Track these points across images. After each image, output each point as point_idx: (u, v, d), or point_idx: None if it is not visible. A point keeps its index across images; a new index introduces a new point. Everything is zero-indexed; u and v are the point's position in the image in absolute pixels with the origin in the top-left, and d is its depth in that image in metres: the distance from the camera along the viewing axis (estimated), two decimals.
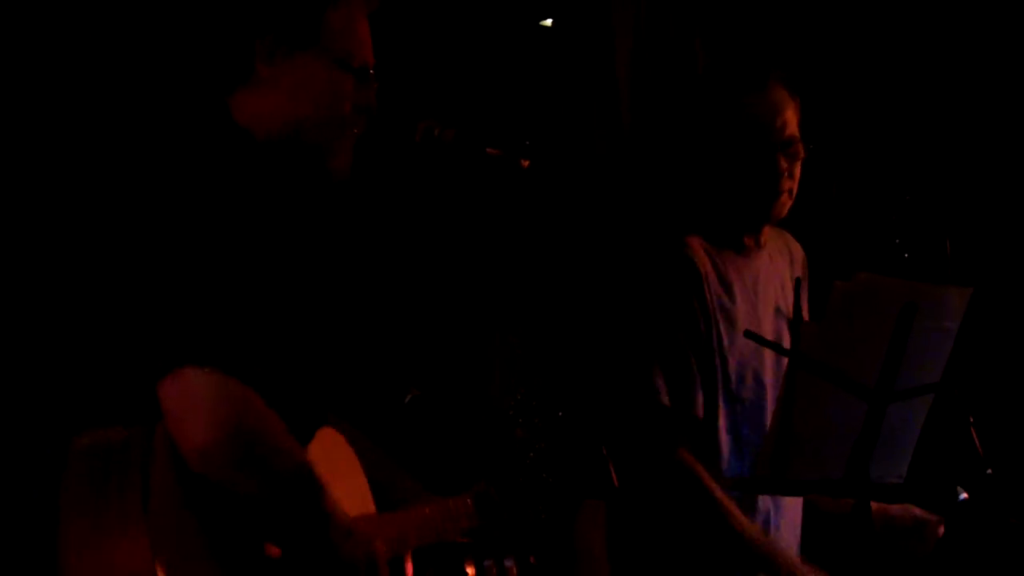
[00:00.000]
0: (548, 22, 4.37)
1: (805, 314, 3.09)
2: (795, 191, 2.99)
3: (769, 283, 3.09)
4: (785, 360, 2.67)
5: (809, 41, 4.34)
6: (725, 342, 2.96)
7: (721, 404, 2.95)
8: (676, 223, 3.06)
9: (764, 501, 3.02)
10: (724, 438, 2.95)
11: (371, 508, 2.50)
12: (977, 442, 2.69)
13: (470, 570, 3.24)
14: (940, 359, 2.64)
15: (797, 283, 3.00)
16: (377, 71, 2.35)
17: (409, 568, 2.71)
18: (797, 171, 2.98)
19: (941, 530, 2.96)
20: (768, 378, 3.01)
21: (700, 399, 2.92)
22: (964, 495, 2.77)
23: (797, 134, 2.98)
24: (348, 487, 2.40)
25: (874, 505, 2.83)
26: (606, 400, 2.93)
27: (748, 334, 2.85)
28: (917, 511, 3.02)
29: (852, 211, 3.10)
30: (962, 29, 4.31)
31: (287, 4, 2.26)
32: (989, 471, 2.67)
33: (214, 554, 2.07)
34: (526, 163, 2.42)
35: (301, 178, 2.31)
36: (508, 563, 3.29)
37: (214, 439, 2.00)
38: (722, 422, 2.95)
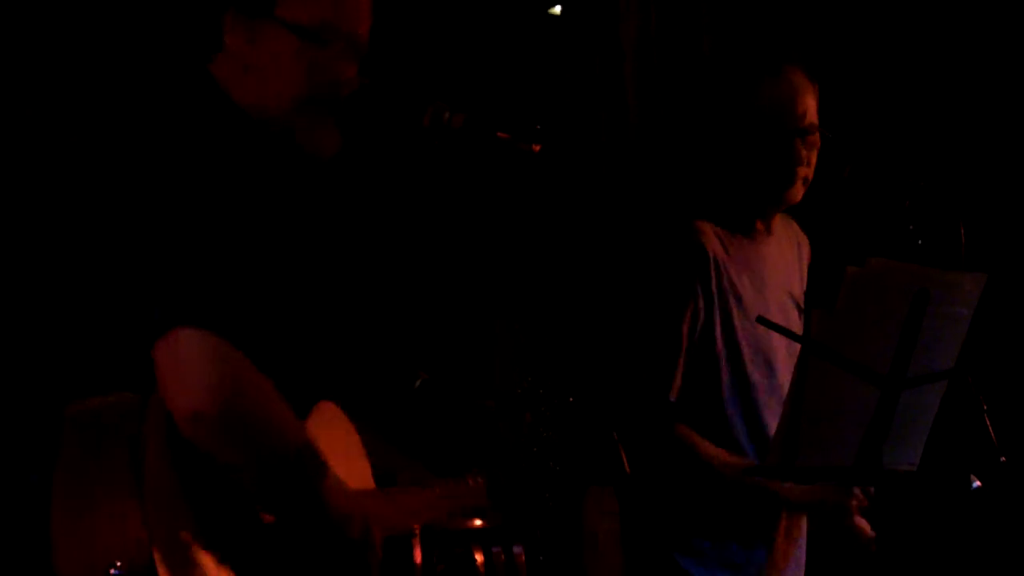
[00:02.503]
0: (557, 9, 4.36)
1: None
2: (810, 178, 2.98)
3: (777, 268, 3.08)
4: (796, 345, 2.65)
5: (821, 25, 4.33)
6: (737, 325, 2.95)
7: (736, 388, 2.94)
8: (686, 207, 3.05)
9: None
10: (738, 423, 2.94)
11: (370, 484, 2.47)
12: (991, 429, 2.67)
13: (478, 556, 3.23)
14: (953, 345, 2.63)
15: (810, 269, 2.99)
16: (385, 55, 2.33)
17: (417, 554, 2.70)
18: (814, 158, 2.97)
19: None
20: (779, 363, 2.99)
21: (677, 383, 2.90)
22: (977, 483, 2.75)
23: (816, 121, 2.96)
24: (347, 461, 2.37)
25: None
26: (615, 382, 2.93)
27: (760, 320, 2.84)
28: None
29: (865, 196, 3.08)
30: (976, 13, 4.29)
31: None
32: (1003, 459, 2.66)
33: (208, 524, 2.03)
34: (536, 148, 2.40)
35: (292, 154, 2.27)
36: (516, 550, 3.28)
37: (206, 401, 1.95)
38: (736, 407, 2.94)
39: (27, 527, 2.01)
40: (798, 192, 2.99)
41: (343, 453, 2.36)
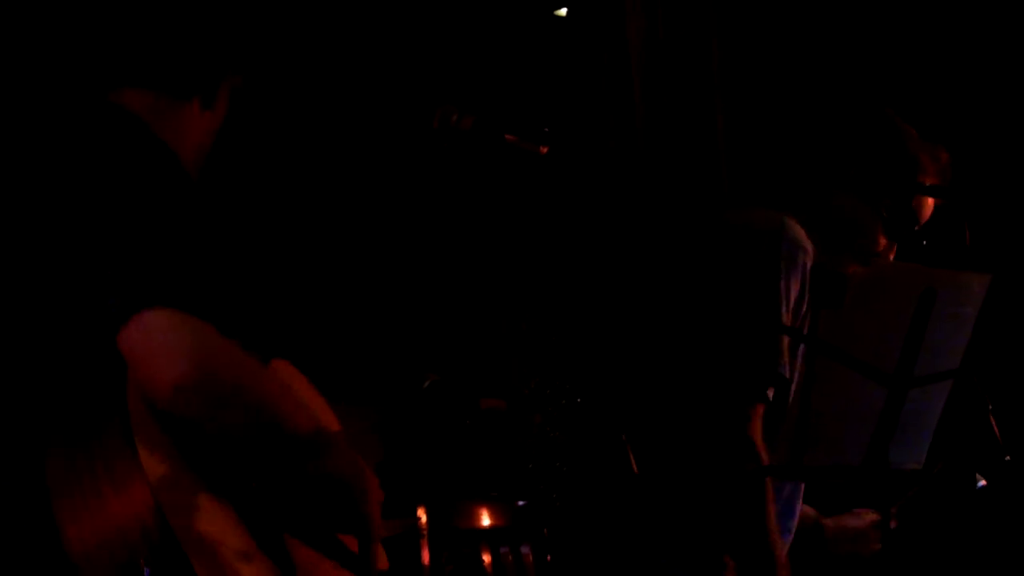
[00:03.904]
0: (563, 12, 4.38)
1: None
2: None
3: None
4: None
5: (828, 27, 4.34)
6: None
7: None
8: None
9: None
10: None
11: (338, 425, 2.48)
12: (996, 429, 2.68)
13: (486, 557, 3.24)
14: (959, 345, 2.63)
15: (815, 270, 2.99)
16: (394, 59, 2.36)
17: (425, 554, 2.71)
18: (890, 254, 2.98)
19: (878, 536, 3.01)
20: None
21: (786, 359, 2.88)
22: (983, 482, 2.76)
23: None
24: (316, 408, 2.39)
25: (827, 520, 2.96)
26: (625, 383, 2.92)
27: (767, 320, 2.84)
28: (864, 518, 3.10)
29: (873, 197, 3.09)
30: (980, 15, 4.30)
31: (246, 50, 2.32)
32: (1008, 458, 2.67)
33: (210, 487, 2.04)
34: (544, 150, 2.41)
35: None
36: (524, 550, 3.29)
37: (184, 370, 1.97)
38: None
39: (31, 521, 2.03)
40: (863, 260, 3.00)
41: (308, 403, 2.38)
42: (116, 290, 1.99)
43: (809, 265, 2.88)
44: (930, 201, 2.96)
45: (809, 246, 2.90)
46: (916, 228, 2.91)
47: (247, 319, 2.24)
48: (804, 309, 2.91)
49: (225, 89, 2.34)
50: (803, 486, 3.10)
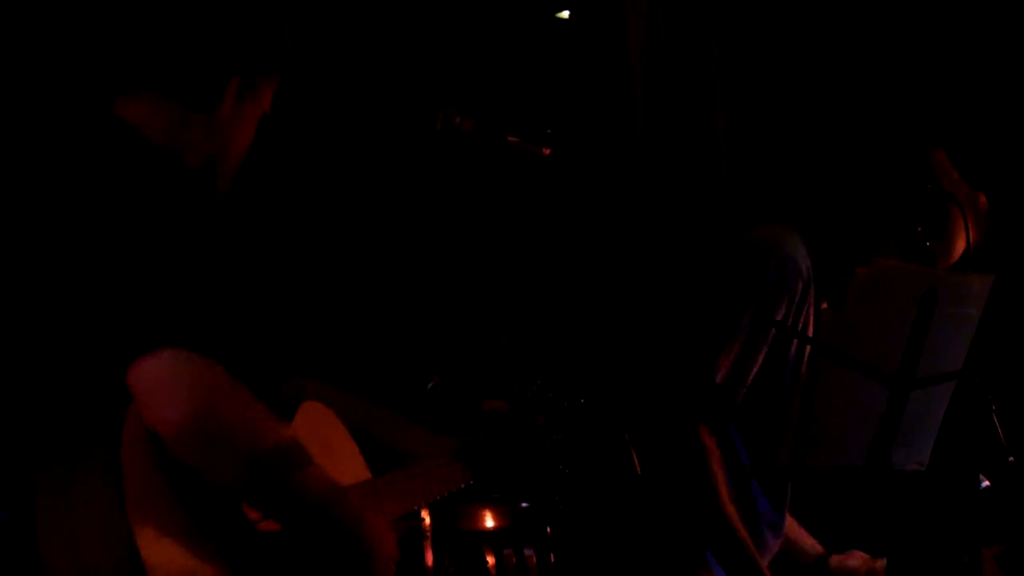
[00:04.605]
0: (565, 14, 4.38)
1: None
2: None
3: None
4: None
5: (829, 27, 4.34)
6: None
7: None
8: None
9: None
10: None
11: (366, 476, 2.47)
12: (999, 429, 2.68)
13: (489, 558, 3.24)
14: (961, 346, 2.63)
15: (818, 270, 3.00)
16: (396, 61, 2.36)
17: (428, 555, 2.71)
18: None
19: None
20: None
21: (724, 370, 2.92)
22: (986, 483, 2.76)
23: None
24: (337, 457, 2.38)
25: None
26: (627, 382, 2.93)
27: (772, 322, 2.85)
28: (867, 561, 3.17)
29: (872, 198, 3.09)
30: (981, 15, 4.30)
31: (258, 56, 2.31)
32: (1011, 459, 2.67)
33: (196, 528, 2.05)
34: (546, 151, 2.42)
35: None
36: (527, 551, 3.29)
37: (188, 416, 1.98)
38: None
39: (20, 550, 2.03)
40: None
41: (332, 450, 2.38)
42: (124, 328, 2.00)
43: (801, 284, 2.90)
44: (960, 243, 2.97)
45: (804, 264, 2.91)
46: (919, 229, 2.91)
47: (251, 322, 2.23)
48: (803, 318, 2.93)
49: (255, 110, 2.32)
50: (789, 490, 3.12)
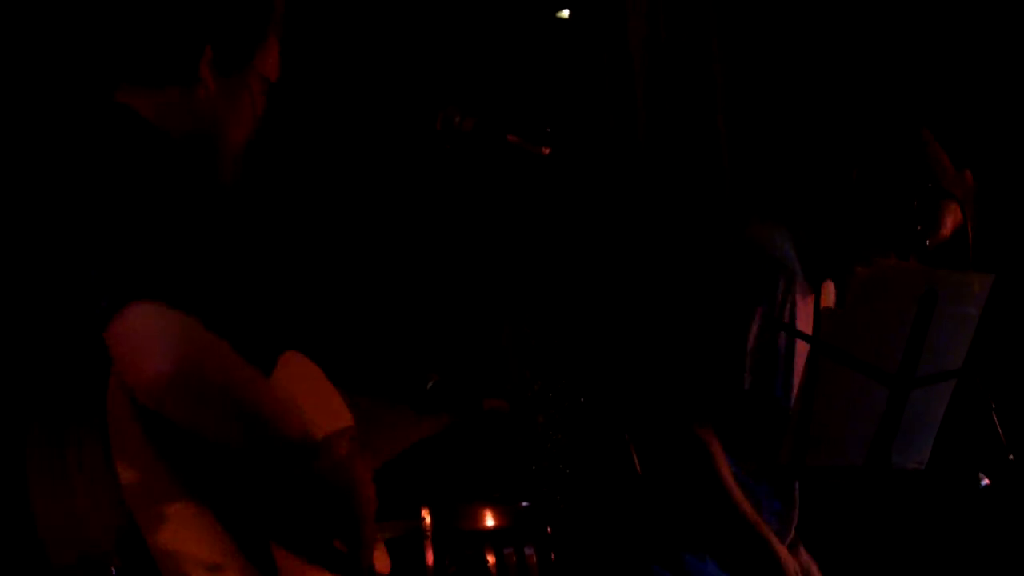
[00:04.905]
0: (565, 14, 4.38)
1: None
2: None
3: None
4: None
5: (829, 26, 4.34)
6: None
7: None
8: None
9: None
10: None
11: (349, 420, 2.47)
12: (999, 428, 2.68)
13: (490, 558, 3.24)
14: (962, 345, 2.64)
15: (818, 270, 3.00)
16: (397, 60, 2.36)
17: (429, 555, 2.71)
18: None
19: None
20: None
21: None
22: (986, 481, 2.76)
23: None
24: (320, 403, 2.37)
25: None
26: (627, 382, 2.94)
27: (771, 320, 2.85)
28: None
29: (873, 197, 3.09)
30: (982, 15, 4.30)
31: (237, 20, 2.26)
32: (1011, 457, 2.67)
33: (186, 490, 2.04)
34: (546, 151, 2.42)
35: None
36: (527, 551, 3.30)
37: (166, 370, 1.96)
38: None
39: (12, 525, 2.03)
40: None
41: (314, 398, 2.36)
42: (106, 288, 1.98)
43: (784, 283, 2.91)
44: (951, 218, 2.97)
45: (787, 258, 2.92)
46: (919, 229, 2.91)
47: (249, 317, 2.23)
48: (787, 311, 2.94)
49: (253, 79, 2.27)
50: (797, 500, 3.12)
